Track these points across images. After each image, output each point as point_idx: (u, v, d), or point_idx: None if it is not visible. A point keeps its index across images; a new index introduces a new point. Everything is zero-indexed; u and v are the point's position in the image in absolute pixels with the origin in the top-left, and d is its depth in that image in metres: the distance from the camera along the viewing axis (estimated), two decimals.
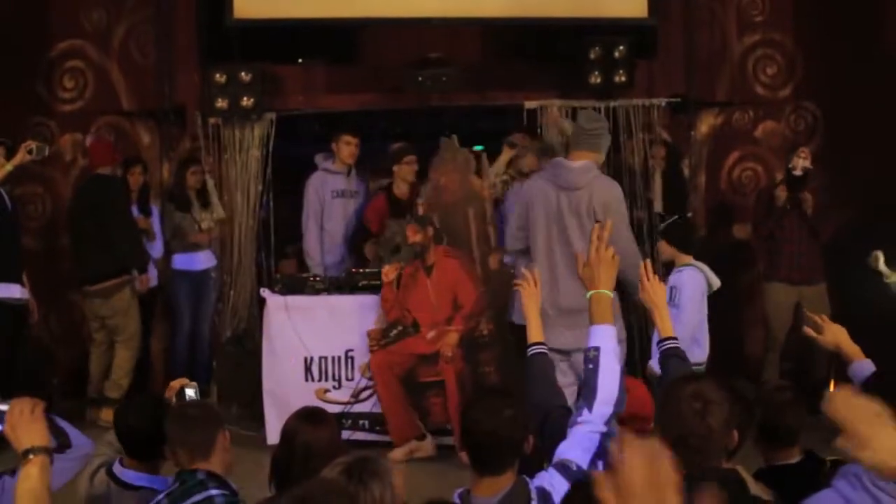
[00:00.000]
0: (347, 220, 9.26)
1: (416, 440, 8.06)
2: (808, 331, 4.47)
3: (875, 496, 3.24)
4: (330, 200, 9.20)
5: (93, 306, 9.05)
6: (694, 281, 6.85)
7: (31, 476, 2.95)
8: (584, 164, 6.72)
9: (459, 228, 8.43)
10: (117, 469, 4.26)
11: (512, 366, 7.87)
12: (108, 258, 8.88)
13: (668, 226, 7.10)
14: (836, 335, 4.42)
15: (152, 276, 9.42)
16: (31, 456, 2.98)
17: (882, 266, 7.50)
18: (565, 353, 6.49)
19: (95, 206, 8.86)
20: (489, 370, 8.20)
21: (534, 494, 3.52)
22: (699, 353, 6.86)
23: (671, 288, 6.79)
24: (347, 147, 9.15)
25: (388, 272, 8.17)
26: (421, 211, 8.44)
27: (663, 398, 3.28)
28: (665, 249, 7.03)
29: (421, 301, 8.16)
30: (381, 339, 8.19)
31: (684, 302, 6.75)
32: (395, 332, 8.18)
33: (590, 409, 3.66)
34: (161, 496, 3.94)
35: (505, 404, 3.67)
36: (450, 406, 7.97)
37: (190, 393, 4.43)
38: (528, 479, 3.59)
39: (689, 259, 6.93)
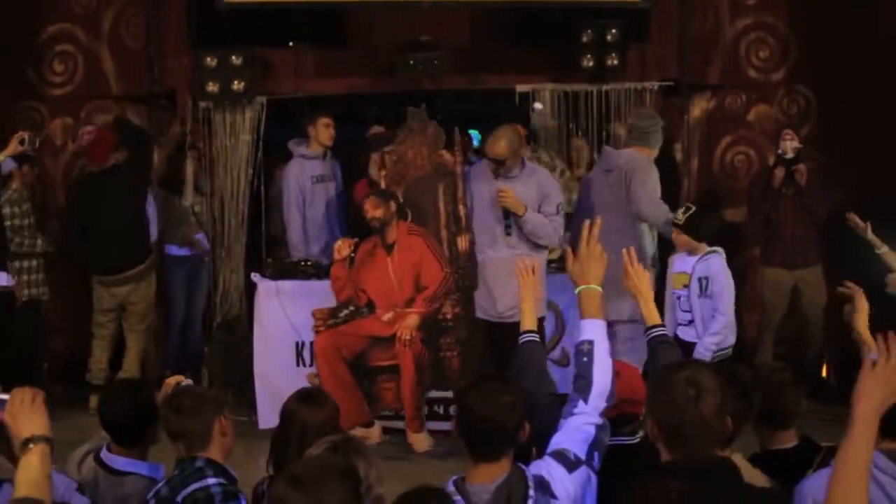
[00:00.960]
0: (328, 204, 9.16)
1: (363, 427, 7.76)
2: (848, 311, 4.57)
3: (872, 475, 3.25)
4: (311, 187, 9.07)
5: (118, 293, 8.97)
6: (723, 268, 7.13)
7: (30, 464, 2.93)
8: (627, 150, 7.90)
9: (427, 205, 7.85)
10: (104, 455, 4.24)
11: (475, 352, 7.69)
12: (134, 246, 8.95)
13: (689, 219, 7.12)
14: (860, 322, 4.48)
15: None
16: (30, 445, 2.95)
17: (871, 236, 7.55)
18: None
19: (125, 195, 8.83)
20: (451, 355, 7.84)
21: (531, 482, 3.51)
22: (732, 336, 7.20)
23: (700, 278, 7.06)
24: (327, 129, 9.07)
25: (341, 248, 7.69)
26: (383, 184, 7.90)
27: (656, 385, 3.26)
28: (683, 240, 7.14)
29: (379, 281, 7.73)
30: (328, 319, 7.73)
31: (718, 291, 7.03)
32: (345, 312, 7.73)
33: (585, 401, 3.67)
34: (161, 484, 3.94)
35: (502, 391, 3.65)
36: (404, 391, 7.66)
37: None
38: (524, 466, 3.58)
39: (706, 246, 7.13)
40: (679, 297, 7.20)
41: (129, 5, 9.85)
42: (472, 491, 3.51)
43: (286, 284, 8.38)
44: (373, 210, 7.57)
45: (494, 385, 3.70)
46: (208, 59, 9.45)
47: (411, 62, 9.44)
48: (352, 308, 7.75)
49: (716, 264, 7.10)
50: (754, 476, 3.66)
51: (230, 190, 9.72)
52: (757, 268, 9.59)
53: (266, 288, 8.37)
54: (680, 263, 7.28)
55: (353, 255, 7.82)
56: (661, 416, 3.19)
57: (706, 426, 3.13)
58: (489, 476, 3.52)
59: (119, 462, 4.24)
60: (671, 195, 9.78)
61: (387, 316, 7.68)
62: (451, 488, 3.52)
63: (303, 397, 4.33)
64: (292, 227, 9.09)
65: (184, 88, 9.83)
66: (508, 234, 7.53)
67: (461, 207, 7.70)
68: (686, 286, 7.13)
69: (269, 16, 10.09)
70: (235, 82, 9.46)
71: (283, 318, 8.28)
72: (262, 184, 9.93)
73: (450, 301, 7.72)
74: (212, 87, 9.47)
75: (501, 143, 7.52)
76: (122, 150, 9.12)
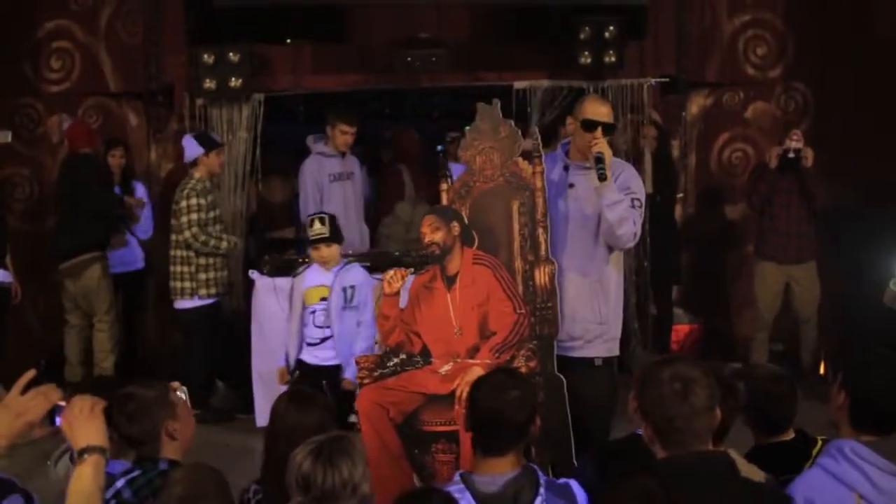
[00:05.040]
0: (346, 203, 9.07)
1: None
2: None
3: (858, 466, 3.30)
4: (328, 185, 9.00)
5: (67, 286, 9.01)
6: (367, 276, 6.93)
7: (83, 476, 2.96)
8: None
9: (497, 227, 5.96)
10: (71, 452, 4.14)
11: (558, 417, 5.64)
12: (76, 236, 8.89)
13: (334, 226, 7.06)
14: None
15: (138, 258, 9.42)
16: (85, 456, 2.98)
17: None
18: None
19: (68, 185, 8.85)
20: None
21: (542, 482, 3.52)
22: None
23: (345, 288, 6.83)
24: (343, 136, 8.97)
25: (392, 280, 5.83)
26: (445, 200, 6.11)
27: (642, 385, 3.27)
28: (330, 252, 7.01)
29: (436, 322, 5.89)
30: (374, 370, 5.92)
31: (364, 301, 6.82)
32: (394, 361, 5.94)
33: None
34: (122, 483, 3.83)
35: (511, 384, 3.66)
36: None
37: (180, 396, 4.39)
38: (536, 468, 3.59)
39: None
40: (314, 312, 6.93)
41: (126, 2, 9.84)
42: (478, 481, 3.53)
43: (283, 281, 8.32)
44: (431, 233, 5.83)
45: (503, 378, 3.71)
46: (205, 56, 9.41)
47: (409, 59, 9.43)
48: (402, 356, 5.95)
49: (359, 272, 6.87)
50: (750, 471, 3.69)
51: (227, 187, 9.69)
52: (751, 266, 9.57)
53: (263, 285, 8.33)
54: (314, 276, 7.01)
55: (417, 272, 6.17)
56: (653, 413, 3.22)
57: (697, 418, 3.17)
58: (496, 470, 3.55)
59: None
60: (668, 192, 9.83)
61: (444, 368, 5.82)
62: (456, 478, 3.53)
63: (292, 397, 4.31)
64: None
65: (181, 85, 9.80)
66: (603, 178, 5.48)
67: (541, 231, 5.81)
68: (324, 299, 6.85)
69: (267, 12, 10.07)
70: (233, 79, 9.42)
71: (281, 315, 8.21)
72: (259, 181, 9.92)
73: (524, 352, 5.74)
74: (209, 84, 9.43)
75: (605, 105, 5.83)
76: (94, 142, 9.13)
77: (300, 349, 6.98)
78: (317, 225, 6.88)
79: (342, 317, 6.69)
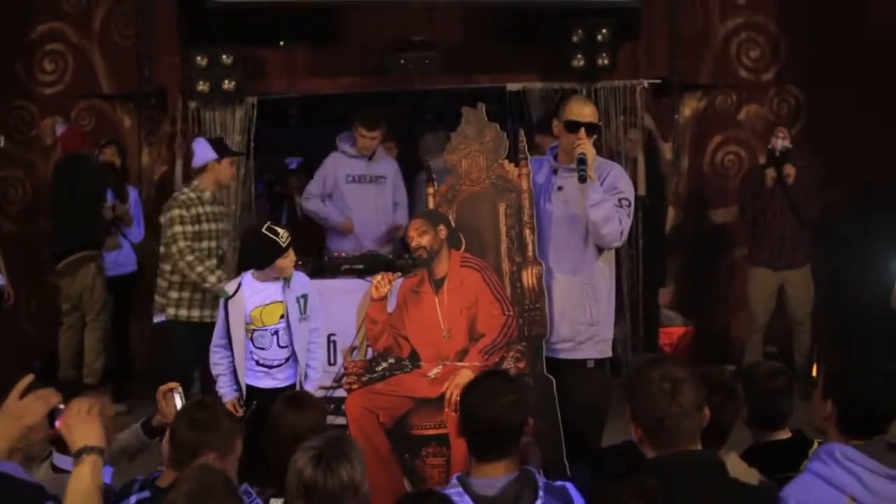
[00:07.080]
0: (365, 206, 8.86)
1: None
2: None
3: (849, 469, 3.33)
4: (344, 185, 8.83)
5: (64, 285, 9.00)
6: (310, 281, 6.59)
7: (82, 476, 2.99)
8: None
9: (484, 230, 5.89)
10: (54, 455, 4.05)
11: (548, 418, 5.57)
12: (71, 235, 8.89)
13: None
14: None
15: (131, 261, 9.39)
16: (83, 456, 3.02)
17: None
18: None
19: (63, 185, 8.86)
20: None
21: (540, 485, 3.52)
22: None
23: (298, 298, 6.30)
24: (362, 140, 8.75)
25: (380, 285, 5.89)
26: (432, 203, 6.02)
27: (632, 386, 3.30)
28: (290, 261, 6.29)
29: (424, 326, 5.86)
30: (362, 375, 5.87)
31: (316, 306, 6.42)
32: (383, 365, 5.90)
33: None
34: (133, 500, 3.85)
35: (505, 389, 3.66)
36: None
37: (176, 397, 4.40)
38: (534, 471, 3.59)
39: None
40: (277, 333, 6.20)
41: (119, 4, 9.85)
42: (476, 484, 3.52)
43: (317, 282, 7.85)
44: (418, 236, 5.84)
45: (496, 383, 3.70)
46: (198, 58, 9.40)
47: (402, 62, 9.43)
48: (391, 360, 5.92)
49: (305, 279, 6.39)
50: (748, 473, 3.71)
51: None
52: (744, 268, 9.57)
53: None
54: (265, 292, 6.22)
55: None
56: (643, 413, 3.25)
57: (686, 417, 3.20)
58: (494, 472, 3.55)
59: (64, 462, 4.16)
60: (656, 195, 9.83)
61: (433, 371, 5.83)
62: (454, 481, 3.53)
63: (289, 400, 4.32)
64: (311, 205, 8.93)
65: (174, 87, 9.81)
66: (582, 180, 5.44)
67: (528, 232, 5.79)
68: (283, 316, 6.19)
69: (260, 15, 10.07)
70: (226, 81, 9.42)
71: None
72: (252, 183, 9.91)
73: (513, 353, 5.76)
74: (202, 87, 9.43)
75: (588, 106, 5.78)
76: (87, 146, 9.13)
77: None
78: (282, 230, 6.16)
79: (298, 329, 6.22)
